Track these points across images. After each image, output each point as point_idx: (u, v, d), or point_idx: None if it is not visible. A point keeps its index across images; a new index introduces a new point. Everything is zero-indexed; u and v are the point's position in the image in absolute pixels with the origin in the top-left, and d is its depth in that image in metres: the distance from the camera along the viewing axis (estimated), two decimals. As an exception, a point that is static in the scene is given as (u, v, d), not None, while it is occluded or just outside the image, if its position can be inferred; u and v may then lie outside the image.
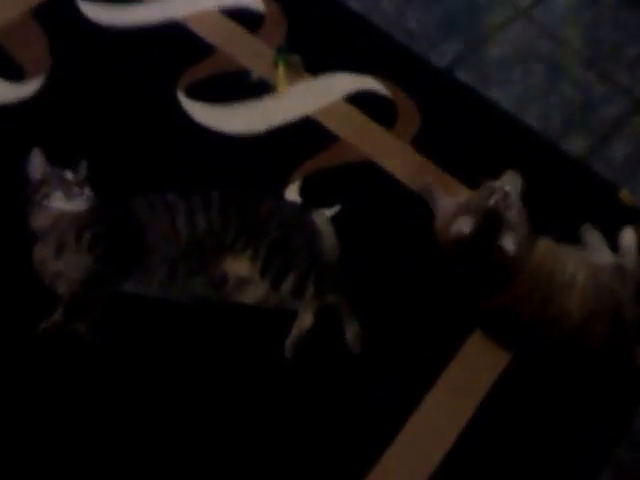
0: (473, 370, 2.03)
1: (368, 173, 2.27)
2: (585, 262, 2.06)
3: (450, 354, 2.04)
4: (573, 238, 2.15)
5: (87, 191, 2.03)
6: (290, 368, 1.98)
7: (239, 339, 2.00)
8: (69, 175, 2.03)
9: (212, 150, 2.26)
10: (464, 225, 1.98)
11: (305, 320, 2.02)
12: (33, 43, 2.39)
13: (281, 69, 2.37)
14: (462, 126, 2.37)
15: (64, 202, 1.99)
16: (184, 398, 1.93)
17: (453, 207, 2.08)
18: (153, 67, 2.39)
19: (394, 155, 2.30)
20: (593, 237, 2.17)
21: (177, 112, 2.31)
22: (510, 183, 2.11)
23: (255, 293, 2.02)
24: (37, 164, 2.03)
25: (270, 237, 2.02)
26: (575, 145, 2.36)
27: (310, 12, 2.55)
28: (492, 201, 2.01)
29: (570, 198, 2.28)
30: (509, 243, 1.96)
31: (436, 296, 2.10)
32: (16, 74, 2.33)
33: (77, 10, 2.48)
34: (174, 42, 2.44)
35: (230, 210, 2.04)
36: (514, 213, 2.01)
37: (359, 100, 2.39)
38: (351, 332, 2.02)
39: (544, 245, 2.07)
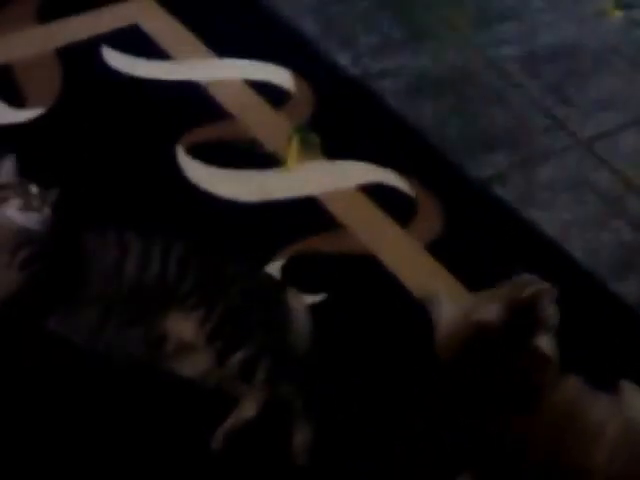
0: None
1: (366, 267, 1.93)
2: (621, 414, 1.61)
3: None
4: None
5: (46, 210, 1.75)
6: (213, 462, 1.56)
7: (163, 413, 1.61)
8: (33, 189, 1.77)
9: (199, 210, 1.99)
10: (490, 312, 1.60)
11: (246, 409, 1.62)
12: (45, 77, 2.25)
13: (294, 145, 2.12)
14: (492, 241, 2.03)
15: (18, 212, 1.72)
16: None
17: (462, 310, 1.70)
18: (158, 119, 2.18)
19: (401, 254, 1.97)
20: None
21: (171, 167, 2.07)
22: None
23: (196, 364, 1.66)
24: (6, 169, 1.77)
25: (228, 301, 1.68)
26: (627, 288, 1.98)
27: (344, 102, 2.32)
28: (527, 292, 1.63)
29: (616, 344, 1.87)
30: (546, 344, 1.59)
31: (418, 422, 1.63)
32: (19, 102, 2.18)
33: (100, 56, 2.32)
34: (189, 101, 2.25)
35: (191, 262, 1.72)
36: (551, 316, 1.63)
37: (376, 193, 2.09)
38: (300, 438, 1.60)
39: (571, 383, 1.63)
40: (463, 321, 1.67)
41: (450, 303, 1.82)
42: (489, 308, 1.62)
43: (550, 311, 1.63)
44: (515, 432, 1.57)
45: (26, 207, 1.74)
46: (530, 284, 1.65)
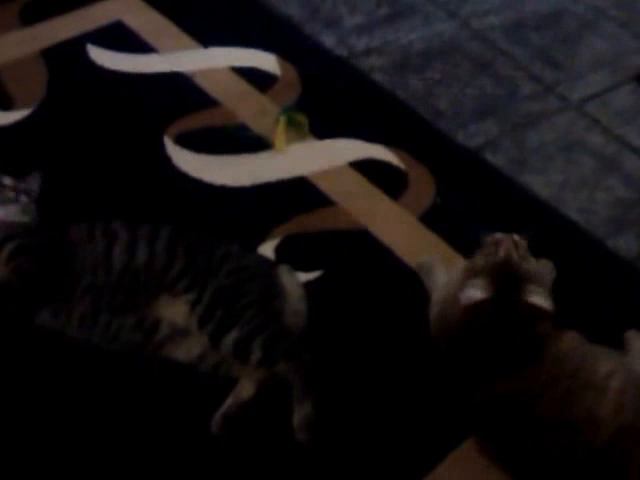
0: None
1: (361, 242, 1.92)
2: (625, 367, 1.61)
3: (427, 466, 1.56)
4: (616, 343, 1.71)
5: (23, 199, 1.77)
6: (214, 447, 1.55)
7: (160, 400, 1.60)
8: (7, 180, 1.80)
9: (190, 198, 1.98)
10: (475, 290, 1.56)
11: (245, 390, 1.62)
12: (32, 78, 2.25)
13: (281, 126, 2.11)
14: (486, 208, 2.01)
15: None
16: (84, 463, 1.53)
17: (453, 282, 1.69)
18: (145, 111, 2.18)
19: (395, 226, 1.96)
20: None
21: (160, 158, 2.06)
22: (544, 272, 1.74)
23: (191, 348, 1.65)
24: None
25: (219, 283, 1.67)
26: (623, 244, 1.96)
27: (331, 82, 2.32)
28: (502, 253, 1.60)
29: (614, 299, 1.86)
30: (538, 298, 1.55)
31: (417, 389, 1.66)
32: (6, 104, 2.18)
33: (86, 54, 2.32)
34: (176, 91, 2.25)
35: (178, 248, 1.72)
36: (532, 264, 1.61)
37: (367, 169, 2.08)
38: (300, 414, 1.58)
39: (571, 337, 1.63)
40: (451, 305, 1.64)
41: (443, 272, 1.83)
42: (473, 286, 1.58)
43: (529, 263, 1.61)
44: (522, 391, 1.55)
45: (1, 201, 1.76)
46: (499, 242, 1.63)
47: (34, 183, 1.83)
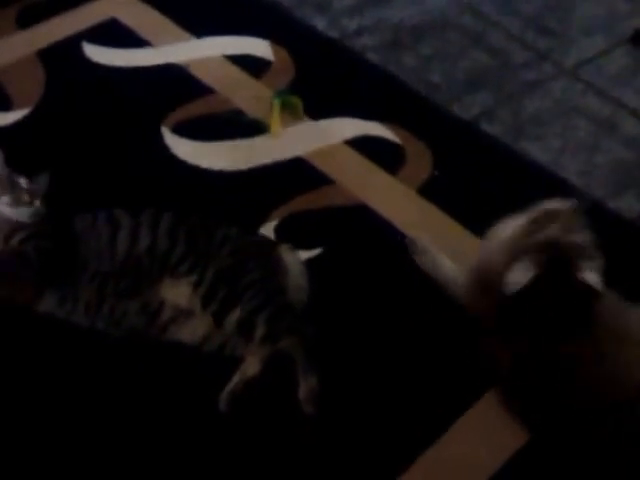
0: (466, 457, 1.56)
1: (360, 218, 1.93)
2: None
3: (436, 432, 1.57)
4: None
5: (37, 203, 1.77)
6: (223, 424, 1.57)
7: (166, 382, 1.62)
8: (23, 182, 1.80)
9: (190, 185, 2.00)
10: (521, 274, 1.54)
11: (250, 367, 1.64)
12: (29, 79, 2.27)
13: (276, 109, 2.12)
14: (485, 177, 2.02)
15: (9, 207, 1.75)
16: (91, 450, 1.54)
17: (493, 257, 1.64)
18: (142, 102, 2.20)
19: (394, 201, 1.96)
20: None
21: (159, 148, 2.07)
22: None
23: (195, 329, 1.67)
24: None
25: (220, 263, 1.69)
26: (624, 204, 1.96)
27: (325, 63, 2.33)
28: (550, 233, 1.57)
29: (617, 259, 1.75)
30: (592, 276, 1.53)
31: (420, 359, 1.67)
32: (6, 106, 2.19)
33: (81, 52, 2.34)
34: (171, 82, 2.26)
35: (179, 232, 1.74)
36: (582, 236, 1.58)
37: (364, 146, 2.09)
38: (305, 388, 1.60)
39: (607, 296, 1.60)
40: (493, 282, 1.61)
41: (446, 260, 1.81)
42: (519, 267, 1.55)
43: (579, 235, 1.58)
44: (565, 354, 1.55)
45: (16, 203, 1.77)
46: (544, 220, 1.60)
47: (42, 183, 1.83)
